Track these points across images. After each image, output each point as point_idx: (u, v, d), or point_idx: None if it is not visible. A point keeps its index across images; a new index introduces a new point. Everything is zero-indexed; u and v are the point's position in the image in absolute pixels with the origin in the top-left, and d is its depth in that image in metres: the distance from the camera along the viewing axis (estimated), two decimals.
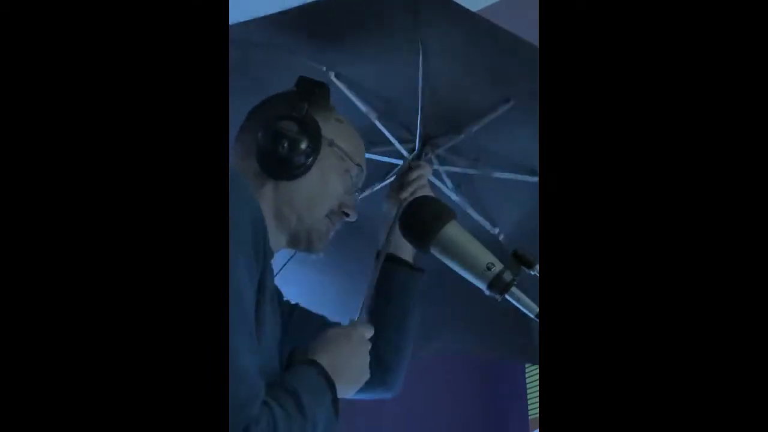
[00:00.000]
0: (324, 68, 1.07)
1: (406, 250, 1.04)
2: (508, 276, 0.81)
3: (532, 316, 0.80)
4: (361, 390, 0.89)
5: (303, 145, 0.86)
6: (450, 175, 1.22)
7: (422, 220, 0.87)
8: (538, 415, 2.46)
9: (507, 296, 0.81)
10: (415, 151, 1.12)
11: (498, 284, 0.81)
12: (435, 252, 0.87)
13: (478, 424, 2.84)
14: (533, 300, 0.81)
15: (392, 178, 1.15)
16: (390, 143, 1.15)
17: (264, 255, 0.74)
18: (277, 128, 0.86)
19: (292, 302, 1.04)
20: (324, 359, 0.80)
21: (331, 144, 0.90)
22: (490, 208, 1.26)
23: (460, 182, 1.22)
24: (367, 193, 1.16)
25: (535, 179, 1.18)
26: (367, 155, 1.01)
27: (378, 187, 1.20)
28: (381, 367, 1.00)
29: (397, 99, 1.12)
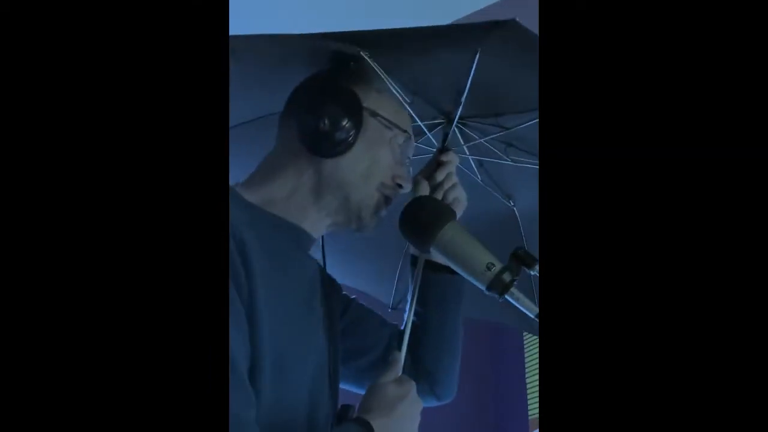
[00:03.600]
0: (359, 50, 1.00)
1: None
2: (507, 276, 0.81)
3: (532, 316, 0.80)
4: None
5: (344, 120, 0.82)
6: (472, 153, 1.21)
7: (422, 220, 0.87)
8: (538, 415, 2.46)
9: (507, 296, 0.81)
10: (445, 141, 1.08)
11: (498, 284, 0.81)
12: (435, 252, 0.86)
13: (478, 424, 2.84)
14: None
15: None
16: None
17: (248, 278, 0.71)
18: (316, 106, 0.83)
19: (350, 296, 1.01)
20: (378, 421, 0.76)
21: (374, 114, 0.87)
22: (506, 186, 1.29)
23: (482, 162, 1.24)
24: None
25: None
26: None
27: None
28: (428, 378, 0.97)
29: (434, 86, 1.08)
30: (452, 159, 1.00)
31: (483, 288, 0.82)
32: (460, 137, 1.17)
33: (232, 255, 0.70)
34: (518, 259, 0.82)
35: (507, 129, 1.14)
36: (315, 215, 0.87)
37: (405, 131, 0.89)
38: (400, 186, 0.89)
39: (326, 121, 0.82)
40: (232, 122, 1.08)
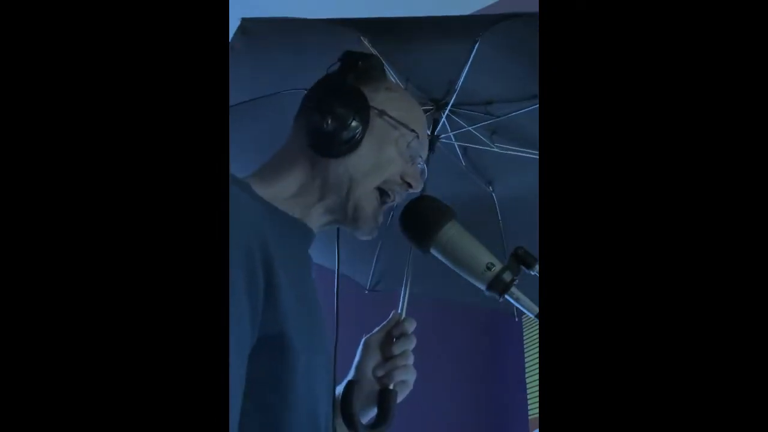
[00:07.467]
0: (359, 36, 1.03)
1: None
2: (508, 276, 0.81)
3: (532, 316, 0.80)
4: None
5: (349, 120, 0.83)
6: (457, 137, 1.28)
7: (422, 219, 0.87)
8: (538, 415, 2.46)
9: (507, 296, 0.81)
10: (436, 128, 1.13)
11: (498, 284, 0.81)
12: (435, 252, 0.86)
13: (478, 424, 2.84)
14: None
15: None
16: None
17: (266, 279, 0.68)
18: (321, 105, 0.84)
19: None
20: None
21: (382, 114, 0.87)
22: (487, 172, 1.38)
23: (466, 149, 1.30)
24: None
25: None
26: None
27: None
28: None
29: (427, 73, 1.11)
30: (410, 334, 0.96)
31: (483, 288, 0.82)
32: (447, 124, 1.19)
33: (253, 251, 0.67)
34: (518, 259, 0.82)
35: (497, 117, 1.16)
36: (317, 213, 0.88)
37: (413, 130, 0.89)
38: (409, 185, 0.89)
39: (332, 121, 0.82)
40: (243, 99, 1.11)
